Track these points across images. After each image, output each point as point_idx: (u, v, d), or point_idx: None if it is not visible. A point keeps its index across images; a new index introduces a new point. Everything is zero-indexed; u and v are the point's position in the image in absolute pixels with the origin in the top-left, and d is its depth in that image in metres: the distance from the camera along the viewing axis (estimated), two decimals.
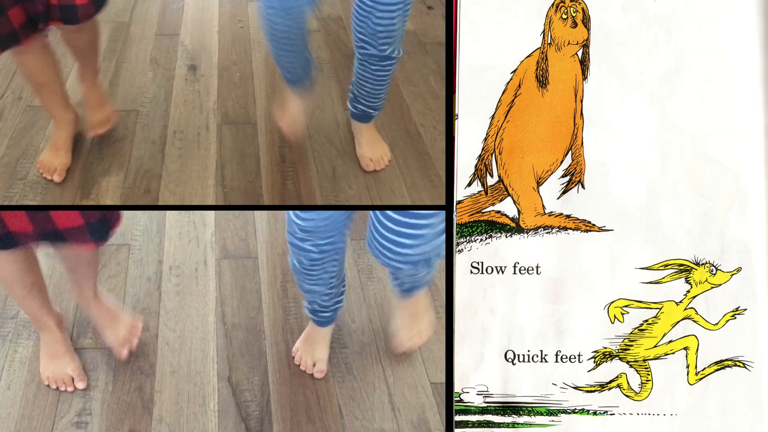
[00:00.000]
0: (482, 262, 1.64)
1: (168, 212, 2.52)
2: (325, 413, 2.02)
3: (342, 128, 2.41)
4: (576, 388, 1.63)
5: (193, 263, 2.36)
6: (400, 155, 2.32)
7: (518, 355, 1.64)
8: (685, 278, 1.62)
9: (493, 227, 1.64)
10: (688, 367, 1.63)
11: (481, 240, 1.64)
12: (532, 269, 1.63)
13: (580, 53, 1.63)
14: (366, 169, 2.28)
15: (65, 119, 2.20)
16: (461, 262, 1.64)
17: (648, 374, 1.63)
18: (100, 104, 2.30)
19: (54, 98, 2.17)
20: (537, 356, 1.63)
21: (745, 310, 1.62)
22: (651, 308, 1.63)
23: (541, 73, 1.63)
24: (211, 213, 2.54)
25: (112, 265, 2.33)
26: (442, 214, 1.69)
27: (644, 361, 1.63)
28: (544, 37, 1.63)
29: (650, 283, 1.63)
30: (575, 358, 1.63)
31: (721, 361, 1.63)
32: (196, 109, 2.46)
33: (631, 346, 1.63)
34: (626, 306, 1.63)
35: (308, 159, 2.29)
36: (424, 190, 2.20)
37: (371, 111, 2.23)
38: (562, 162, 1.63)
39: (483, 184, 1.64)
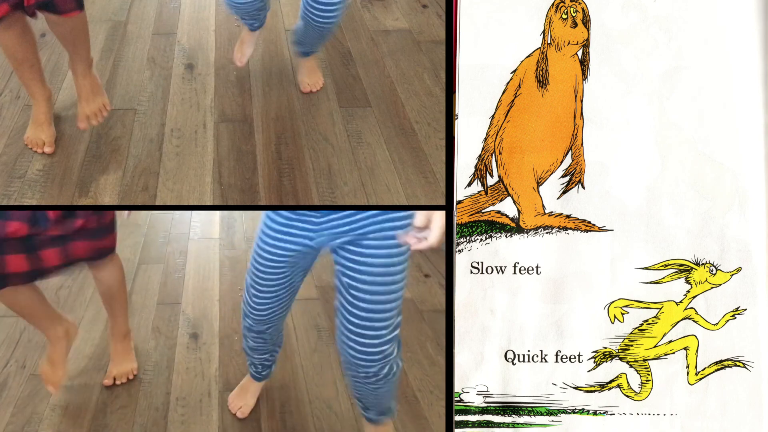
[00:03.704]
0: (482, 262, 1.64)
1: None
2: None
3: (338, 126, 2.41)
4: (576, 388, 1.64)
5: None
6: (395, 152, 2.32)
7: (518, 355, 1.64)
8: (685, 278, 1.63)
9: (493, 227, 1.64)
10: (688, 367, 1.63)
11: (481, 240, 1.64)
12: (532, 269, 1.63)
13: (580, 53, 1.63)
14: (303, 90, 2.57)
15: (43, 95, 2.28)
16: (461, 262, 1.64)
17: (648, 374, 1.63)
18: (93, 95, 2.32)
19: (32, 74, 2.25)
20: (537, 356, 1.63)
21: (745, 310, 1.62)
22: (651, 308, 1.63)
23: (541, 73, 1.63)
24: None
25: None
26: None
27: (644, 361, 1.63)
28: (544, 37, 1.63)
29: (650, 283, 1.63)
30: (575, 358, 1.63)
31: (721, 361, 1.63)
32: (193, 108, 2.46)
33: (631, 346, 1.63)
34: (626, 306, 1.63)
35: (304, 156, 2.29)
36: (418, 186, 2.20)
37: (313, 51, 2.54)
38: (562, 162, 1.63)
39: (483, 184, 1.64)
